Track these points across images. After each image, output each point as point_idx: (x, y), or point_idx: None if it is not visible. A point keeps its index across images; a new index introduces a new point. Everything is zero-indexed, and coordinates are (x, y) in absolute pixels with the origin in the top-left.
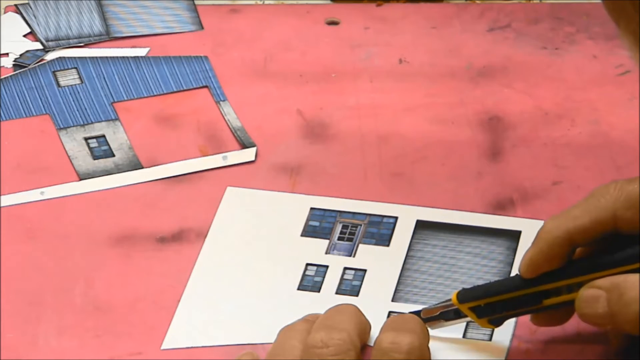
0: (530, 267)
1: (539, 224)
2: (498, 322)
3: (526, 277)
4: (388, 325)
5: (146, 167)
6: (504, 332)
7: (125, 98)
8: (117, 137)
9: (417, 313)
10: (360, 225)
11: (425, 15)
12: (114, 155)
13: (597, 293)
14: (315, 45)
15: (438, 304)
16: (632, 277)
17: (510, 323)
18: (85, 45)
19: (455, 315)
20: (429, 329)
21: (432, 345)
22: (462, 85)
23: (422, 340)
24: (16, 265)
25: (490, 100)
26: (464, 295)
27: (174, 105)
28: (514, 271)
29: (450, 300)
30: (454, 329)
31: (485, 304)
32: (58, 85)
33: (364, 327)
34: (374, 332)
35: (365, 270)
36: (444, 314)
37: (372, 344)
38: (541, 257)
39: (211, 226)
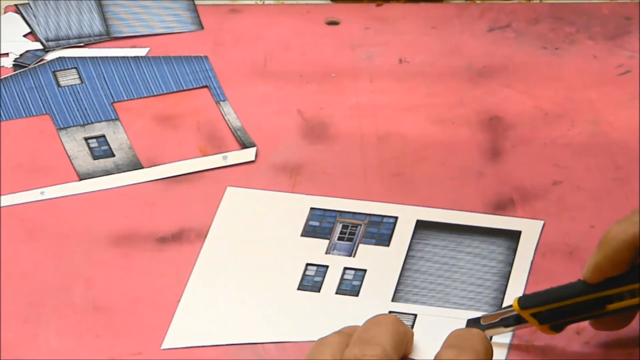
0: (595, 273)
1: (539, 224)
2: (559, 328)
3: (591, 282)
4: (451, 340)
5: (146, 167)
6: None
7: (125, 98)
8: (117, 137)
9: (476, 320)
10: (360, 225)
11: (425, 15)
12: (114, 155)
13: None
14: (315, 45)
15: (498, 310)
16: None
17: None
18: (85, 45)
19: (516, 321)
20: (487, 335)
21: (430, 344)
22: (462, 85)
23: None
24: (16, 265)
25: (490, 100)
26: (526, 301)
27: (174, 105)
28: (514, 271)
29: (511, 306)
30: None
31: (547, 310)
32: (58, 85)
33: (403, 337)
34: (417, 340)
35: (365, 270)
36: (504, 320)
37: (415, 357)
38: (607, 262)
39: (211, 226)
